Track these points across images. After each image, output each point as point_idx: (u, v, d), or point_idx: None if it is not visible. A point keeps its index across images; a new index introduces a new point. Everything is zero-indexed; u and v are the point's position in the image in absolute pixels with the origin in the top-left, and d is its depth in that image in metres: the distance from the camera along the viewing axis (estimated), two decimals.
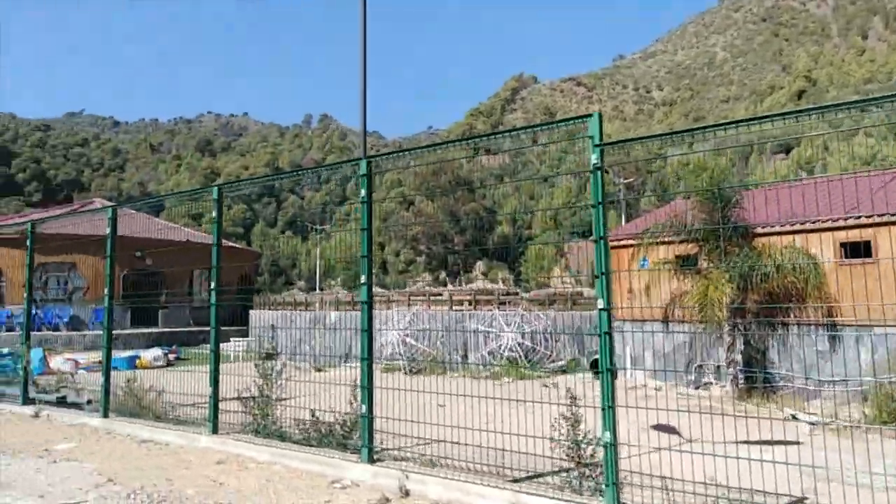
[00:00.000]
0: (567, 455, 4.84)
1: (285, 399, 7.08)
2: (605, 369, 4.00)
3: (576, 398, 5.01)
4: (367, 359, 5.21)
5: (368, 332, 5.23)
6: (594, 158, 4.15)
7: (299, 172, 6.06)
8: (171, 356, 18.15)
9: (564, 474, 4.80)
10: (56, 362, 15.30)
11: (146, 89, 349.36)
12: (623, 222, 32.01)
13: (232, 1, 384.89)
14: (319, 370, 15.20)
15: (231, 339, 20.85)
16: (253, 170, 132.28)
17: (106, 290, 7.34)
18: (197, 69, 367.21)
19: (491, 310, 15.99)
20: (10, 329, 24.10)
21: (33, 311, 24.84)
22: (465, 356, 16.33)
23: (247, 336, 22.30)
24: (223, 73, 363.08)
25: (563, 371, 15.23)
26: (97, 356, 18.19)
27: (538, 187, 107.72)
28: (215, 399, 6.21)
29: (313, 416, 6.68)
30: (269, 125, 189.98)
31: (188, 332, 24.67)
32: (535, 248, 76.22)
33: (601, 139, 4.15)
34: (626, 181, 36.40)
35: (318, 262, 38.10)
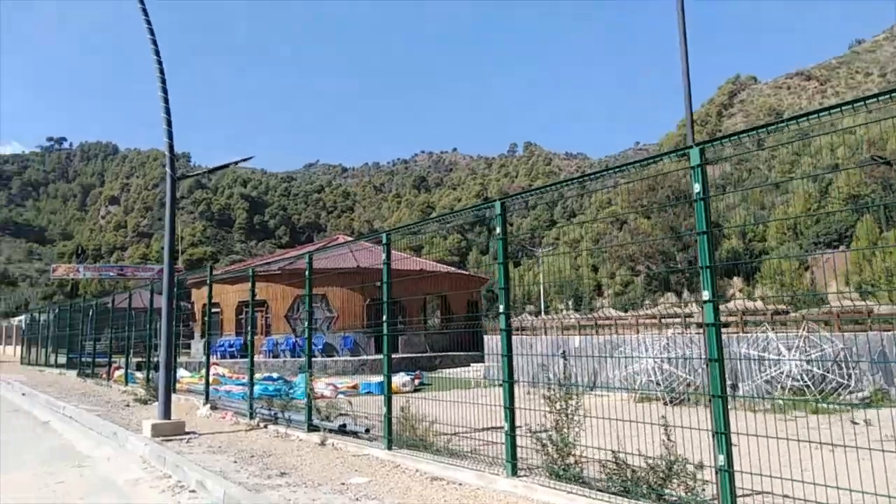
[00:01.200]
0: None
1: (542, 431, 6.25)
2: None
3: None
4: (722, 396, 4.11)
5: (720, 362, 4.13)
6: None
7: (608, 171, 5.18)
8: (416, 381, 18.49)
9: None
10: (319, 387, 16.18)
11: (368, 135, 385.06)
12: None
13: (441, 44, 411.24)
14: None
15: (471, 364, 20.85)
16: (465, 201, 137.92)
17: (384, 317, 7.17)
18: (411, 112, 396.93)
19: (764, 331, 13.77)
20: (275, 356, 26.83)
21: (292, 340, 27.41)
22: (734, 385, 14.25)
23: (481, 362, 22.21)
24: (433, 112, 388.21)
25: (868, 404, 12.51)
26: (350, 381, 19.22)
27: (769, 195, 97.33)
28: (512, 436, 5.53)
29: (615, 457, 5.73)
30: (477, 158, 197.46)
31: (427, 357, 25.38)
32: (772, 262, 68.20)
33: None
34: None
35: (541, 287, 37.64)
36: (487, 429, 7.69)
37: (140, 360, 18.50)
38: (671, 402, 14.05)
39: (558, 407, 5.78)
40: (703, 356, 12.68)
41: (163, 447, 7.78)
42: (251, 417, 9.93)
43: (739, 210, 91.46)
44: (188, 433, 8.83)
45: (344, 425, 8.29)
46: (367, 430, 8.09)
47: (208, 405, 11.45)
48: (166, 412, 8.97)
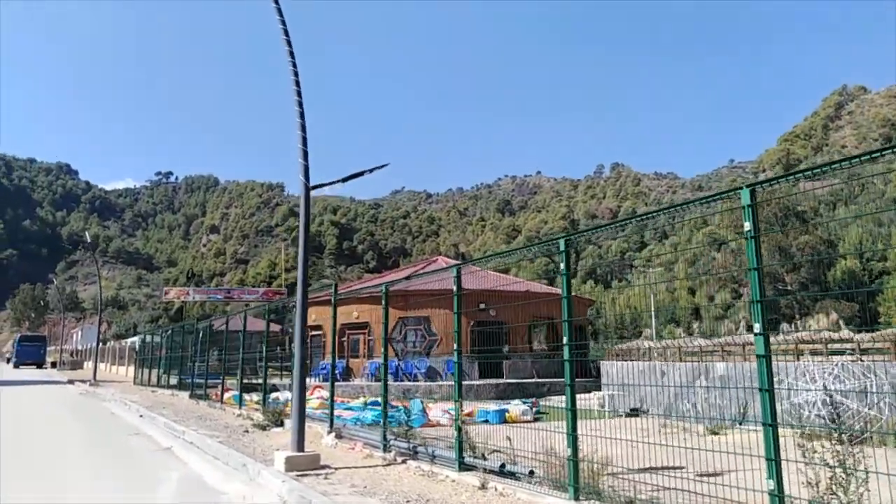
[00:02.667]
0: None
1: (712, 475, 4.84)
2: None
3: None
4: None
5: None
6: None
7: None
8: (533, 409, 17.14)
9: None
10: (434, 414, 15.16)
11: (452, 161, 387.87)
12: None
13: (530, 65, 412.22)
14: (715, 433, 12.53)
15: (590, 392, 19.29)
16: (551, 223, 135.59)
17: (565, 339, 6.02)
18: (496, 136, 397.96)
19: None
20: (377, 380, 26.18)
21: (395, 363, 26.67)
22: None
23: (594, 389, 20.60)
24: (515, 136, 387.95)
25: None
26: (461, 407, 18.13)
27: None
28: (780, 496, 4.20)
29: None
30: (562, 180, 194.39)
31: (534, 383, 23.96)
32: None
33: None
34: None
35: (652, 310, 35.49)
36: (646, 470, 6.56)
37: (247, 381, 18.19)
38: (849, 441, 12.10)
39: (829, 458, 4.43)
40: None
41: (303, 485, 6.90)
42: (385, 450, 8.97)
43: (854, 228, 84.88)
44: (323, 467, 7.95)
45: (503, 465, 7.15)
46: (532, 472, 6.92)
47: (333, 433, 10.61)
48: (300, 443, 8.13)
